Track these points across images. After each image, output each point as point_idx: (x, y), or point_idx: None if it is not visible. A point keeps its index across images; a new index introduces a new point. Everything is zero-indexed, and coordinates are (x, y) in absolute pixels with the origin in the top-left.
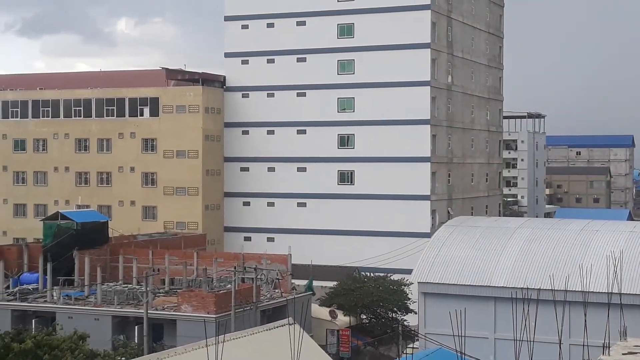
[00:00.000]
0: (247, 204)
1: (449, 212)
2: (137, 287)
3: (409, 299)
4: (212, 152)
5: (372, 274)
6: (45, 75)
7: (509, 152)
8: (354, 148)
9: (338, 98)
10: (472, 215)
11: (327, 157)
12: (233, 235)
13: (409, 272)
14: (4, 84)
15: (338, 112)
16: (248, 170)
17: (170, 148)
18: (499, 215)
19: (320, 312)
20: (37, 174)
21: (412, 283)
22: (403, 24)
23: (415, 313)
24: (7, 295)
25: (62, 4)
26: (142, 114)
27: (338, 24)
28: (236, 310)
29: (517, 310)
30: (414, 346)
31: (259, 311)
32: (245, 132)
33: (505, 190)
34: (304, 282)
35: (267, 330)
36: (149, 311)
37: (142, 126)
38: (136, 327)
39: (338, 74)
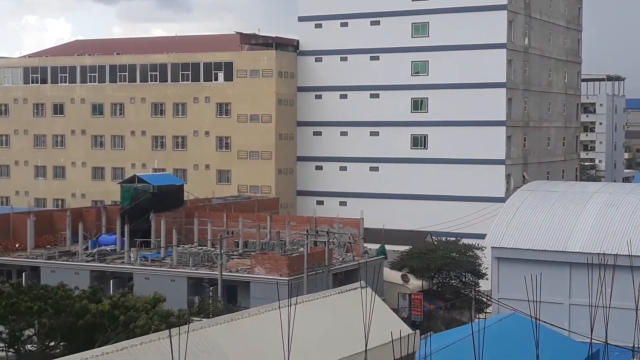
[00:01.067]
0: (319, 168)
1: (524, 177)
2: (211, 249)
3: (481, 264)
4: (285, 117)
5: (445, 239)
6: (122, 40)
7: (587, 116)
8: (427, 112)
9: (412, 61)
10: (548, 180)
11: (400, 121)
12: (305, 199)
13: (482, 237)
14: (83, 49)
15: (412, 75)
16: (321, 134)
17: (244, 112)
18: (576, 180)
19: (392, 275)
20: (115, 138)
21: (485, 247)
22: None
23: (488, 278)
24: (86, 256)
25: None
26: (216, 79)
27: None
28: (308, 273)
29: (593, 276)
30: (487, 311)
31: (331, 274)
32: (318, 97)
33: (583, 155)
34: (376, 246)
35: (339, 293)
36: (223, 273)
37: (216, 91)
38: (211, 288)
39: (412, 37)
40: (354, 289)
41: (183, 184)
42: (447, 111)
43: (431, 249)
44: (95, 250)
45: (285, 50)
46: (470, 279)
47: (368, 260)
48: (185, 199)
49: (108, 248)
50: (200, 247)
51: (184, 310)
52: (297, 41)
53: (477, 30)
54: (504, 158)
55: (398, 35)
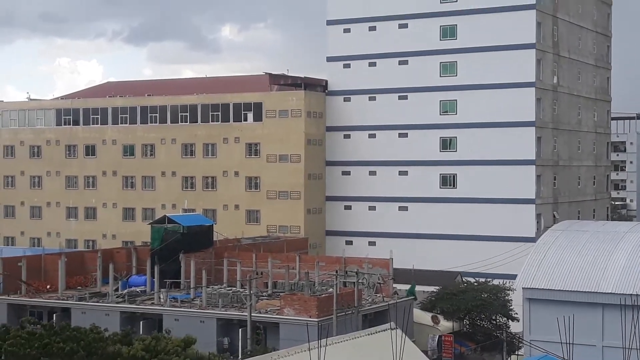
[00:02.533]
0: (348, 207)
1: (554, 216)
2: (240, 290)
3: (512, 307)
4: (314, 156)
5: (475, 279)
6: (152, 81)
7: (617, 154)
8: (456, 151)
9: (440, 100)
10: (578, 219)
11: (428, 160)
12: (335, 239)
13: (512, 277)
14: (114, 91)
15: (440, 114)
16: (349, 174)
17: (273, 152)
18: (607, 220)
19: (422, 317)
20: (145, 179)
21: (515, 289)
22: (507, 25)
23: (518, 320)
24: (117, 297)
25: (167, 12)
26: (245, 119)
27: (441, 26)
28: (338, 314)
29: (626, 318)
30: (519, 353)
31: (361, 315)
32: (347, 136)
33: (614, 194)
34: (406, 286)
35: (369, 334)
36: (252, 314)
37: (245, 131)
38: (240, 329)
39: (440, 76)
40: (384, 330)
41: (213, 225)
42: (476, 150)
43: (461, 290)
44: (126, 291)
45: (314, 91)
46: (501, 320)
47: (398, 301)
48: (214, 239)
49: (138, 289)
50: (230, 288)
51: (214, 354)
52: (326, 81)
53: (505, 68)
54: (534, 197)
55: (426, 75)
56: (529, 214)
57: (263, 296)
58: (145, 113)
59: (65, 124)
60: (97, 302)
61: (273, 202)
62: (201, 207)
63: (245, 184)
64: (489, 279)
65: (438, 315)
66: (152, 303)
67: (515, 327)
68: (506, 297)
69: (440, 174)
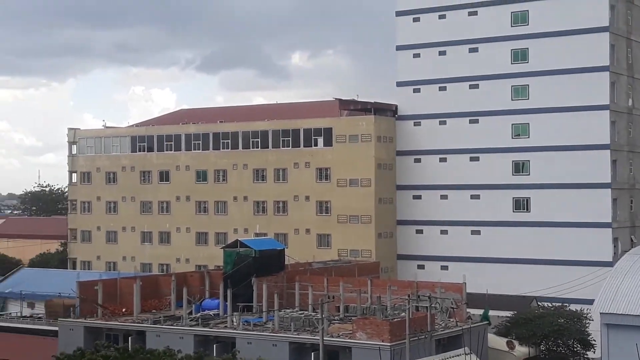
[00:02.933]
0: (420, 231)
1: (632, 240)
2: (312, 313)
3: (589, 333)
4: (385, 181)
5: (550, 304)
6: (224, 108)
7: None
8: (529, 174)
9: (512, 124)
10: None
11: (501, 184)
12: (406, 263)
13: (589, 302)
14: (187, 118)
15: (512, 138)
16: (420, 198)
17: (344, 177)
18: None
19: (496, 342)
20: (218, 203)
21: (592, 320)
22: (580, 47)
23: (594, 346)
24: (190, 320)
25: (238, 40)
26: (316, 144)
27: (512, 49)
28: (411, 339)
29: None
30: None
31: (434, 340)
32: (417, 160)
33: None
34: (480, 311)
35: (442, 359)
36: (324, 338)
37: (316, 156)
38: (312, 353)
39: (512, 99)
40: (458, 355)
41: (284, 249)
42: (550, 174)
43: (537, 315)
44: (199, 314)
45: (384, 115)
46: (579, 347)
47: (472, 325)
48: (286, 263)
49: (211, 312)
50: (302, 312)
51: None
52: (396, 106)
53: (578, 91)
54: (610, 221)
55: (497, 98)
56: (605, 238)
57: (335, 320)
58: (217, 139)
59: (140, 151)
60: (172, 325)
61: (344, 226)
62: (273, 231)
63: (316, 208)
64: (565, 304)
65: (513, 341)
66: (225, 326)
67: (592, 353)
68: (584, 323)
69: (513, 198)
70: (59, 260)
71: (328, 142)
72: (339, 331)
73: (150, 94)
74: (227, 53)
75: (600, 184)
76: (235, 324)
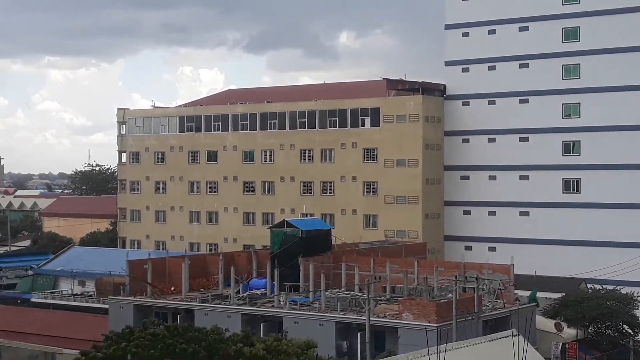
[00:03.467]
0: (467, 212)
1: None
2: (359, 294)
3: (637, 313)
4: (432, 161)
5: (600, 286)
6: (271, 88)
7: None
8: (579, 155)
9: (562, 104)
10: None
11: (551, 164)
12: (453, 244)
13: (639, 284)
14: (235, 98)
15: (562, 118)
16: (468, 179)
17: (391, 157)
18: None
19: (544, 324)
20: (265, 184)
21: None
22: (633, 26)
23: None
24: (238, 299)
25: (286, 20)
26: (363, 124)
27: (563, 28)
28: (457, 320)
29: None
30: None
31: (481, 321)
32: (466, 140)
33: None
34: (527, 293)
35: (489, 340)
36: (371, 318)
37: (363, 136)
38: (358, 333)
39: (563, 79)
40: (505, 337)
41: (331, 229)
42: (601, 154)
43: (586, 297)
44: (246, 293)
45: (432, 95)
46: (628, 329)
47: (519, 307)
48: (332, 243)
49: (258, 292)
50: (348, 292)
51: (333, 357)
52: (444, 85)
53: (631, 71)
54: None
55: (548, 77)
56: None
57: (381, 300)
58: (264, 119)
59: (188, 131)
60: (219, 304)
61: (391, 207)
62: (319, 211)
63: (363, 188)
64: (616, 287)
65: (562, 323)
66: (272, 306)
67: None
68: (634, 306)
69: (563, 179)
70: (109, 239)
71: (375, 122)
72: (386, 311)
73: (199, 74)
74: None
75: None
76: (282, 303)
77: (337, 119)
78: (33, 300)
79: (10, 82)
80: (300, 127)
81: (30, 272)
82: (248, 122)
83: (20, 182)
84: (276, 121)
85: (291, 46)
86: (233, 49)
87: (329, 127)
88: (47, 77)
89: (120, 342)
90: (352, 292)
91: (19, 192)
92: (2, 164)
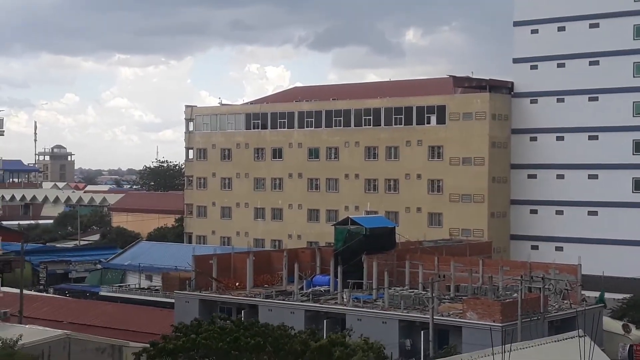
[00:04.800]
0: (534, 211)
1: None
2: (422, 292)
3: None
4: (499, 159)
5: None
6: (337, 86)
7: None
8: None
9: (633, 102)
10: None
11: (620, 163)
12: (519, 244)
13: None
14: (300, 96)
15: (634, 116)
16: (536, 177)
17: (456, 155)
18: None
19: (612, 325)
20: (329, 181)
21: None
22: None
23: None
24: (301, 296)
25: (351, 17)
26: (428, 122)
27: (635, 25)
28: (523, 320)
29: None
30: None
31: (547, 322)
32: (534, 139)
33: None
34: (595, 293)
35: (555, 341)
36: (434, 317)
37: (428, 134)
38: (422, 332)
39: (634, 76)
40: (572, 337)
41: (395, 227)
42: None
43: None
44: (310, 290)
45: (499, 93)
46: None
47: (586, 308)
48: (397, 241)
49: (322, 288)
50: (412, 290)
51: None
52: (512, 83)
53: None
54: None
55: (618, 75)
56: None
57: (445, 299)
58: (330, 117)
59: (254, 128)
60: (283, 300)
61: (456, 205)
62: (383, 209)
63: (428, 186)
64: None
65: (629, 324)
66: (336, 303)
67: None
68: None
69: (633, 178)
70: (175, 235)
71: (441, 120)
72: (449, 310)
73: (265, 71)
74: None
75: None
76: (345, 300)
77: (403, 116)
78: (101, 293)
79: (81, 80)
80: (365, 125)
81: (99, 266)
82: (313, 120)
83: (90, 177)
84: (341, 118)
85: (357, 43)
86: (299, 47)
87: (395, 124)
88: (117, 74)
89: (189, 334)
90: (416, 291)
91: (89, 188)
92: (72, 159)
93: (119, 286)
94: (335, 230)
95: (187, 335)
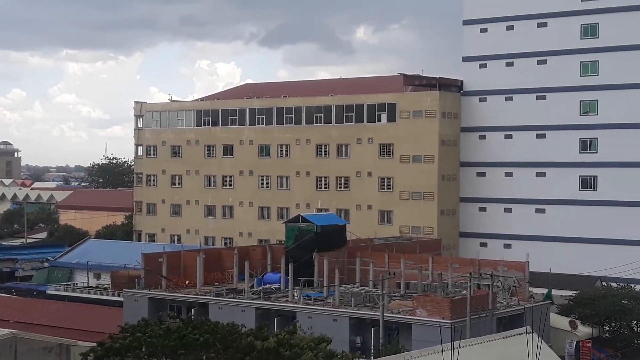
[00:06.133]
0: (483, 209)
1: None
2: (373, 289)
3: None
4: (448, 157)
5: (616, 284)
6: (288, 83)
7: None
8: (597, 152)
9: (580, 101)
10: None
11: (567, 161)
12: (468, 241)
13: None
14: (251, 93)
15: (580, 115)
16: (484, 175)
17: (407, 153)
18: None
19: (559, 321)
20: (280, 178)
21: None
22: None
23: None
24: (252, 294)
25: (303, 14)
26: (379, 120)
27: (582, 24)
28: (471, 317)
29: None
30: None
31: (495, 319)
32: (482, 137)
33: None
34: (542, 290)
35: (503, 338)
36: (384, 314)
37: (379, 131)
38: (372, 329)
39: (581, 75)
40: (519, 334)
41: (346, 224)
42: (619, 152)
43: (601, 295)
44: (261, 288)
45: (449, 91)
46: None
47: (534, 305)
48: (347, 239)
49: (273, 286)
50: (362, 288)
51: (345, 353)
52: (461, 81)
53: None
54: None
55: (566, 74)
56: None
57: (395, 296)
58: (281, 114)
59: (204, 125)
60: (234, 298)
61: (406, 203)
62: (334, 206)
63: (378, 184)
64: (630, 285)
65: (576, 321)
66: (287, 300)
67: None
68: None
69: (579, 176)
70: (125, 232)
71: (392, 118)
72: (399, 307)
73: (216, 68)
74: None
75: None
76: (296, 298)
77: (354, 114)
78: (49, 292)
79: (28, 75)
80: (316, 122)
81: (46, 264)
82: (264, 117)
83: (37, 174)
84: (292, 116)
85: (307, 40)
86: (249, 43)
87: (345, 122)
88: (65, 70)
89: (136, 333)
90: (366, 288)
91: (36, 185)
92: (19, 156)
93: (66, 285)
94: (286, 228)
95: (134, 334)
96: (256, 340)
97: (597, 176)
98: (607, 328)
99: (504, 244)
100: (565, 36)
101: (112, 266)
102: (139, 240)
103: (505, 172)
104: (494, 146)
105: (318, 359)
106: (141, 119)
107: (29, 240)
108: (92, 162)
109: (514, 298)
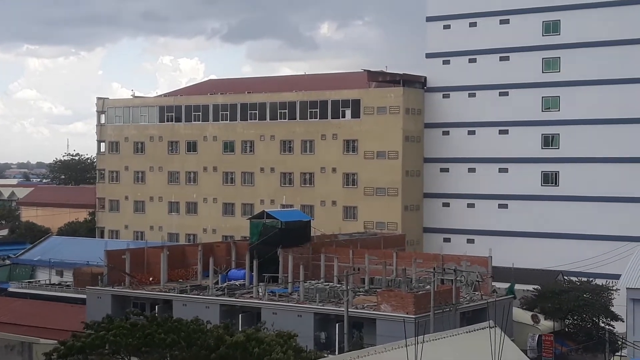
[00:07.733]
0: (446, 204)
1: None
2: (337, 285)
3: (612, 305)
4: (412, 153)
5: (577, 279)
6: (252, 79)
7: None
8: (558, 148)
9: (542, 97)
10: None
11: (530, 157)
12: (432, 236)
13: (616, 277)
14: (215, 89)
15: (542, 111)
16: (448, 171)
17: (371, 149)
18: None
19: (521, 315)
20: (245, 174)
21: (619, 290)
22: (615, 19)
23: (622, 320)
24: (217, 290)
25: (266, 10)
26: (343, 116)
27: (543, 21)
28: (435, 312)
29: None
30: (622, 354)
31: (459, 313)
32: (446, 133)
33: None
34: (505, 285)
35: (467, 332)
36: (349, 309)
37: (343, 127)
38: (337, 324)
39: (543, 72)
40: (483, 328)
41: (310, 220)
42: (580, 147)
43: (563, 290)
44: (225, 284)
45: (413, 87)
46: (605, 320)
47: (497, 299)
48: (312, 235)
49: (237, 282)
50: (327, 283)
51: (311, 350)
52: (425, 78)
53: (612, 64)
54: None
55: (528, 71)
56: (634, 212)
57: (360, 292)
58: (245, 110)
59: (167, 121)
60: (198, 294)
61: (370, 199)
62: (299, 203)
63: (343, 180)
64: (591, 279)
65: (538, 315)
66: (251, 297)
67: (620, 328)
68: (609, 298)
69: (542, 172)
70: (87, 229)
71: (356, 114)
72: (364, 303)
73: (179, 63)
74: (253, 23)
75: (631, 158)
76: (260, 294)
77: (318, 110)
78: (10, 289)
79: None
80: (280, 118)
81: (7, 262)
82: (228, 113)
83: None
84: (256, 112)
85: (271, 36)
86: (212, 38)
87: (310, 118)
88: (26, 65)
89: (100, 331)
90: (331, 284)
91: None
92: None
93: (28, 282)
94: (251, 224)
95: (97, 332)
96: (225, 335)
97: (558, 172)
98: (569, 322)
99: (467, 239)
100: (527, 33)
101: (74, 263)
102: (102, 237)
103: (469, 168)
104: (457, 142)
105: (288, 357)
106: (103, 115)
107: None
108: (54, 159)
109: (477, 293)
